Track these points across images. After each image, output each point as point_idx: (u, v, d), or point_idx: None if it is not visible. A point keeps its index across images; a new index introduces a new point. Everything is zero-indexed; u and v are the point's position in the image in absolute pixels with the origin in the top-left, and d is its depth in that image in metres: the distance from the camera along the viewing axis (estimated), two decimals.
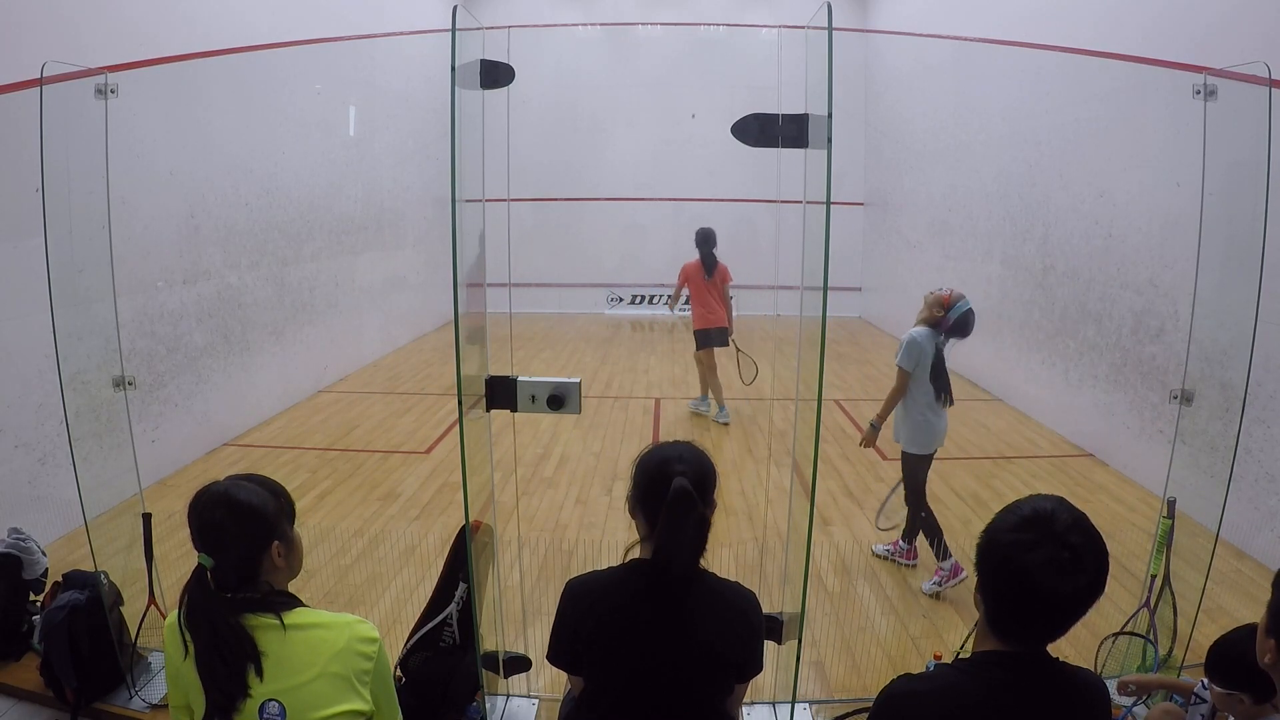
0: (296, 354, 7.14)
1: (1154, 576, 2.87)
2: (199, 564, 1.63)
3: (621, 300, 12.84)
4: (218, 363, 5.86)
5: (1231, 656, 1.91)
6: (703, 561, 1.85)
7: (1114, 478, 5.42)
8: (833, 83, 2.08)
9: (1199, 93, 2.71)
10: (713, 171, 11.80)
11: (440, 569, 2.85)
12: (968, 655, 1.53)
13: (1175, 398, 2.88)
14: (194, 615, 1.60)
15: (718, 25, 12.58)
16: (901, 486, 3.99)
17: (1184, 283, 4.45)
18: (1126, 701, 2.64)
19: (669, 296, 7.26)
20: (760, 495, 4.99)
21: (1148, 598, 2.89)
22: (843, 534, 4.43)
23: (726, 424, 6.71)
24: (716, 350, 6.86)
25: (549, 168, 11.81)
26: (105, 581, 2.82)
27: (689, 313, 7.07)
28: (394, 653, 2.79)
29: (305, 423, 6.62)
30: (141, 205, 4.91)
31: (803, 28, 2.22)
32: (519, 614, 3.47)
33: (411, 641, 2.79)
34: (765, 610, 2.03)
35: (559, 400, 2.40)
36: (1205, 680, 2.08)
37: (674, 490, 1.76)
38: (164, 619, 2.65)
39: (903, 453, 3.96)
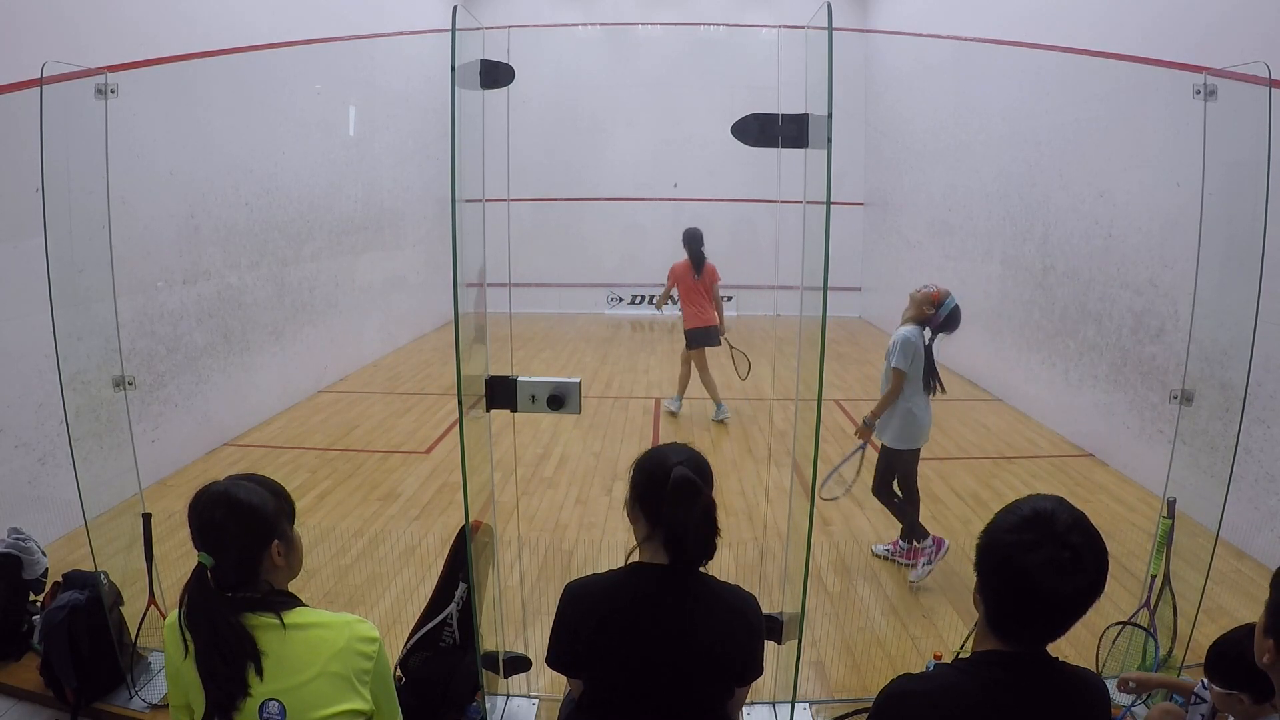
0: (296, 354, 7.14)
1: (1154, 576, 2.87)
2: (199, 563, 1.63)
3: (621, 300, 12.84)
4: (218, 363, 5.86)
5: (1231, 656, 1.91)
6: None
7: (1114, 478, 5.42)
8: (833, 83, 2.08)
9: (1199, 93, 2.71)
10: (713, 171, 11.80)
11: (440, 569, 2.85)
12: (968, 655, 1.53)
13: (1175, 398, 2.88)
14: (194, 614, 1.60)
15: (718, 25, 12.58)
16: (857, 457, 4.05)
17: (1184, 283, 4.45)
18: (1126, 700, 2.64)
19: (646, 298, 7.26)
20: (760, 495, 5.00)
21: (1148, 598, 2.89)
22: (843, 534, 4.43)
23: (725, 420, 6.72)
24: (710, 349, 6.87)
25: (549, 168, 11.81)
26: (105, 581, 2.82)
27: (679, 313, 7.08)
28: (394, 653, 2.79)
29: (305, 423, 6.62)
30: (141, 205, 4.91)
31: (803, 28, 2.22)
32: (519, 614, 3.47)
33: (411, 641, 2.79)
34: (765, 610, 2.03)
35: (559, 400, 2.40)
36: (1205, 680, 2.08)
37: (675, 478, 1.76)
38: (164, 619, 2.65)
39: (886, 449, 4.00)
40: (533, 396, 2.41)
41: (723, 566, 3.89)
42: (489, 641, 2.77)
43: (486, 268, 2.54)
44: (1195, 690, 2.17)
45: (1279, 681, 1.54)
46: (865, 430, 4.03)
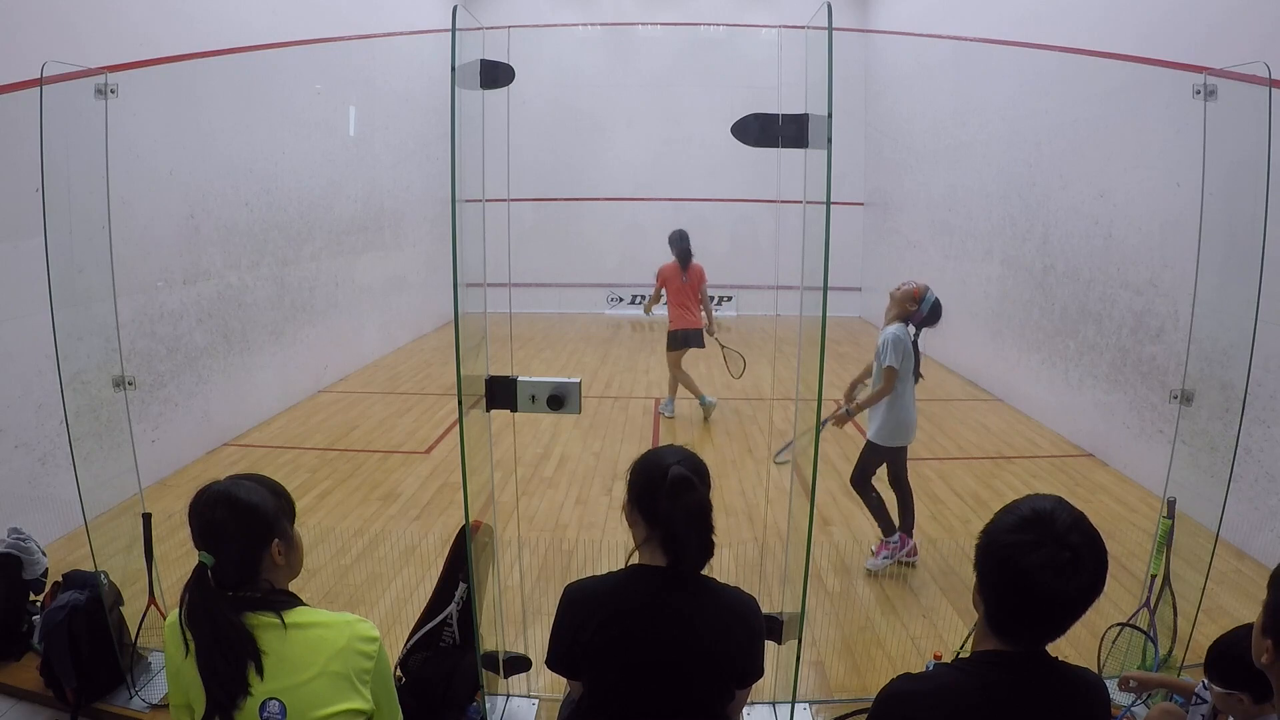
0: (296, 354, 7.14)
1: (1154, 576, 2.87)
2: (200, 562, 1.63)
3: (621, 300, 12.84)
4: (218, 363, 5.86)
5: (1231, 656, 1.91)
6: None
7: (1114, 478, 5.42)
8: (833, 83, 2.08)
9: (1199, 93, 2.71)
10: (713, 171, 11.80)
11: (440, 569, 2.85)
12: (968, 655, 1.53)
13: (1175, 398, 2.88)
14: (195, 613, 1.60)
15: (718, 25, 12.57)
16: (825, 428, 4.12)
17: (1184, 283, 4.45)
18: (1126, 700, 2.64)
19: (646, 298, 7.27)
20: (760, 495, 4.99)
21: (1148, 598, 2.89)
22: (843, 534, 4.43)
23: (714, 405, 6.76)
24: (697, 350, 6.90)
25: (549, 168, 11.81)
26: (105, 581, 2.82)
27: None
28: (394, 653, 2.79)
29: (305, 423, 6.62)
30: (141, 205, 4.91)
31: (803, 28, 2.22)
32: (519, 614, 3.47)
33: (411, 641, 2.79)
34: (765, 610, 2.03)
35: (559, 400, 2.40)
36: (1205, 681, 2.08)
37: (672, 477, 1.76)
38: (164, 619, 2.65)
39: (872, 445, 4.02)
40: (533, 396, 2.41)
41: (723, 566, 3.89)
42: (489, 641, 2.77)
43: (486, 268, 2.54)
44: (1196, 690, 2.16)
45: (1277, 682, 1.54)
46: (844, 419, 4.09)
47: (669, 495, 1.75)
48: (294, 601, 1.68)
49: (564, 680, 2.11)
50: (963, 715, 1.40)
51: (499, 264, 3.01)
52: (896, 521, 4.11)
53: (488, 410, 2.47)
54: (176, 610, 1.64)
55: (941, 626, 3.50)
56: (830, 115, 2.12)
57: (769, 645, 2.27)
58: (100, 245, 2.80)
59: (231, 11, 5.88)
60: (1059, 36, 6.27)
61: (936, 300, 3.99)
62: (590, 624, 1.80)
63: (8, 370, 3.97)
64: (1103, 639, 2.89)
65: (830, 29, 2.04)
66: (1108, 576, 1.40)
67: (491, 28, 2.38)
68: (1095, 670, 2.09)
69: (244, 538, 1.65)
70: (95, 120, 2.74)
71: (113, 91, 2.73)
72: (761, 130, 2.41)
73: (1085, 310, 6.07)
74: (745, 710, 2.81)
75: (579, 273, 12.59)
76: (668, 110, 12.10)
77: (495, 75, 2.33)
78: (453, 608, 2.74)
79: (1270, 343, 3.46)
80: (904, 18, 10.67)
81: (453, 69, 2.08)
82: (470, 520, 2.44)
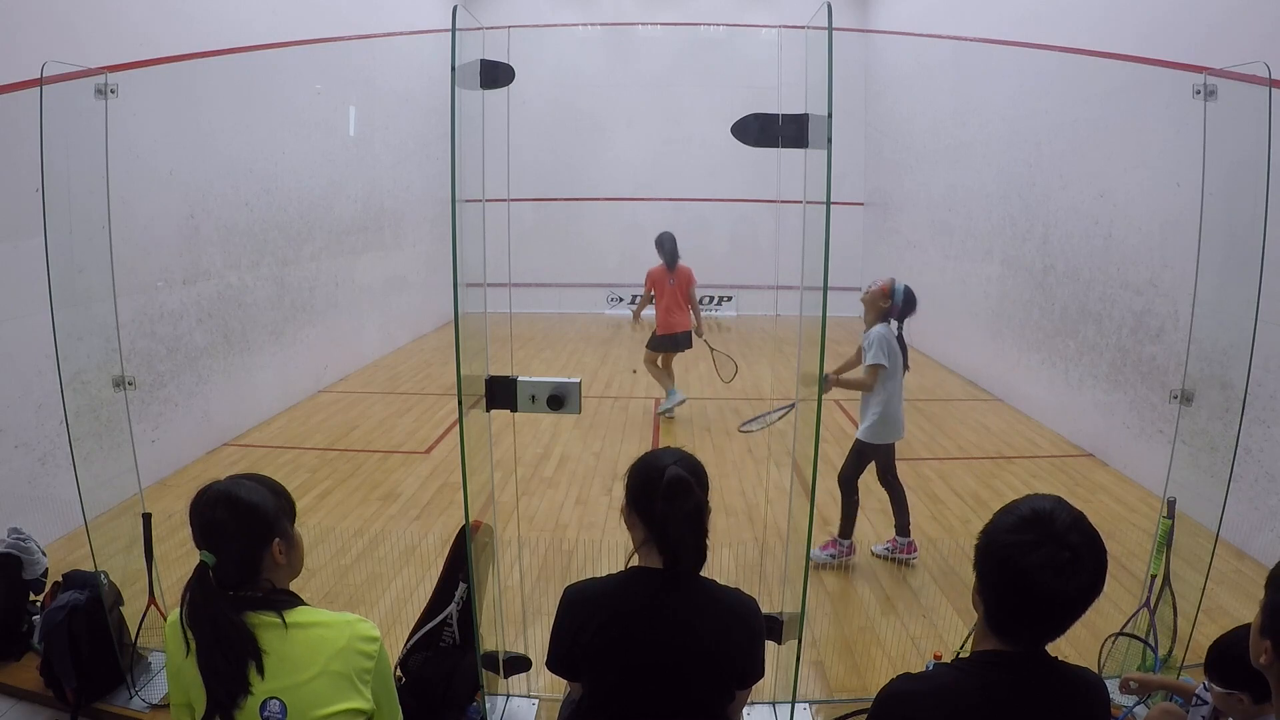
0: (296, 354, 7.14)
1: (1154, 576, 2.87)
2: (201, 561, 1.63)
3: (621, 300, 12.83)
4: (218, 363, 5.86)
5: (1231, 656, 1.91)
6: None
7: (1114, 478, 5.42)
8: (833, 83, 2.08)
9: (1199, 93, 2.71)
10: (713, 171, 11.80)
11: (440, 569, 2.85)
12: (967, 655, 1.53)
13: (1175, 398, 2.88)
14: (196, 612, 1.60)
15: (718, 25, 12.57)
16: (792, 412, 4.12)
17: (1184, 283, 4.44)
18: (1128, 701, 2.64)
19: (635, 299, 7.27)
20: (760, 495, 4.99)
21: (1148, 598, 2.89)
22: None
23: (670, 411, 6.78)
24: (687, 352, 6.92)
25: (549, 168, 11.80)
26: (105, 581, 2.82)
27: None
28: (394, 653, 2.79)
29: (305, 423, 6.62)
30: (141, 205, 4.91)
31: (803, 28, 2.22)
32: (519, 614, 3.47)
33: (411, 641, 2.79)
34: (765, 610, 2.03)
35: (559, 400, 2.40)
36: (1206, 683, 2.08)
37: (668, 478, 1.76)
38: (164, 619, 2.65)
39: (861, 443, 4.05)
40: (533, 396, 2.41)
41: (723, 566, 3.91)
42: (489, 641, 2.77)
43: (486, 268, 2.54)
44: (1197, 692, 2.16)
45: (1276, 682, 1.54)
46: (831, 383, 4.04)
47: (665, 496, 1.75)
48: (295, 601, 1.69)
49: (564, 680, 2.11)
50: (963, 715, 1.40)
51: (499, 264, 3.02)
52: (894, 523, 4.12)
53: (488, 410, 2.47)
54: (178, 609, 1.65)
55: (941, 626, 3.50)
56: (830, 115, 2.12)
57: (769, 645, 2.27)
58: (100, 245, 2.80)
59: (231, 11, 5.88)
60: (1059, 36, 6.27)
61: (906, 288, 3.99)
62: (590, 626, 1.80)
63: (8, 370, 3.98)
64: (1102, 648, 2.89)
65: (830, 29, 2.04)
66: (1108, 576, 1.40)
67: (491, 28, 2.38)
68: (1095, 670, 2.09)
69: (245, 537, 1.66)
70: (95, 120, 2.74)
71: (113, 91, 2.73)
72: (761, 130, 2.41)
73: (1085, 310, 6.07)
74: (745, 710, 2.81)
75: (579, 273, 12.58)
76: (668, 110, 12.10)
77: (495, 75, 2.33)
78: (453, 608, 2.75)
79: (1270, 343, 3.46)
80: (904, 18, 10.67)
81: (453, 69, 2.08)
82: (470, 520, 2.44)
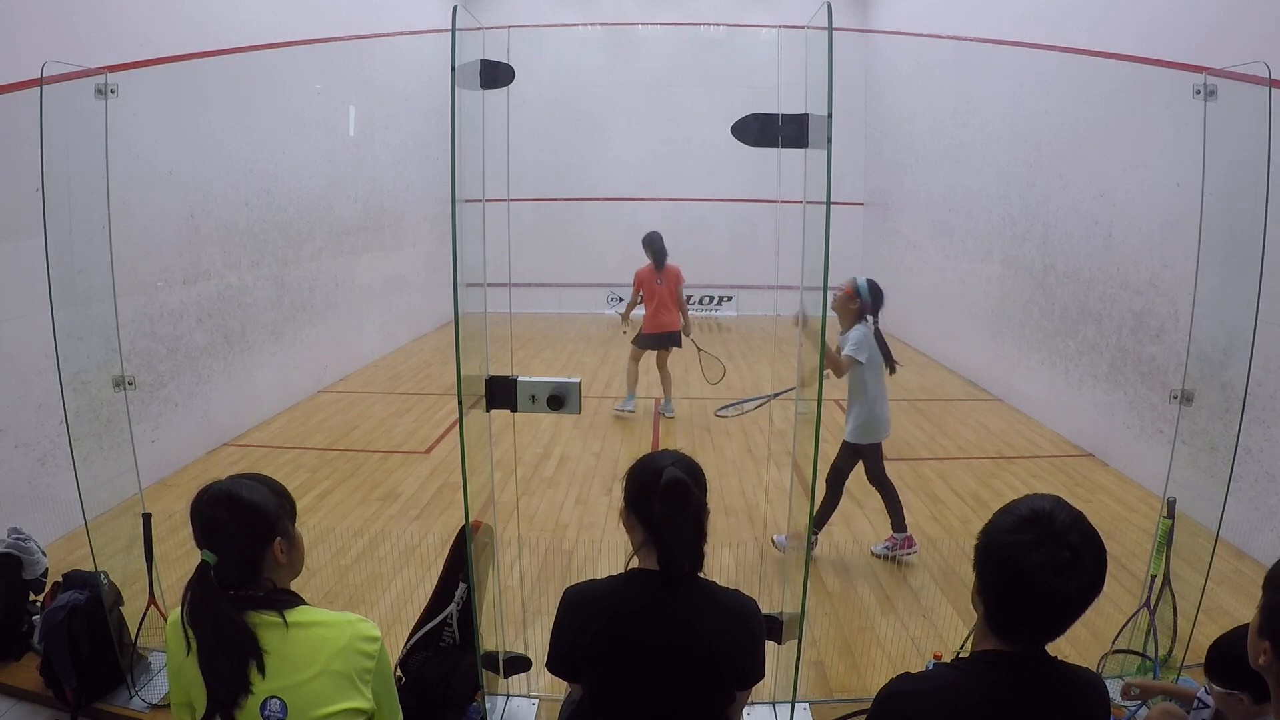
0: (296, 354, 7.14)
1: (1154, 576, 2.87)
2: (202, 561, 1.63)
3: (621, 300, 12.80)
4: (218, 363, 5.86)
5: (1231, 655, 1.91)
6: (703, 563, 1.85)
7: (1114, 478, 5.42)
8: (833, 83, 2.08)
9: (1199, 93, 2.71)
10: (713, 171, 11.80)
11: (440, 569, 2.85)
12: (967, 655, 1.53)
13: (1175, 398, 2.88)
14: (197, 612, 1.61)
15: (718, 25, 12.57)
16: (768, 403, 4.14)
17: (1184, 283, 4.45)
18: (1131, 705, 2.63)
19: (612, 298, 7.27)
20: (760, 495, 4.99)
21: (1148, 598, 2.89)
22: (843, 534, 4.43)
23: (630, 413, 6.80)
24: (675, 352, 6.92)
25: (549, 168, 11.81)
26: (105, 581, 2.81)
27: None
28: (394, 653, 2.79)
29: (305, 423, 6.62)
30: (141, 205, 4.91)
31: (803, 28, 2.22)
32: (519, 614, 3.47)
33: (411, 641, 2.79)
34: (765, 610, 2.03)
35: (559, 400, 2.40)
36: (1207, 687, 2.08)
37: (666, 480, 1.76)
38: (164, 619, 2.65)
39: (848, 444, 4.07)
40: (533, 396, 2.41)
41: (722, 566, 3.91)
42: (489, 641, 2.77)
43: (486, 268, 2.54)
44: (1198, 695, 2.16)
45: (1275, 683, 1.54)
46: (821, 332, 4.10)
47: (663, 499, 1.75)
48: (296, 600, 1.69)
49: (564, 681, 2.11)
50: (963, 715, 1.40)
51: (499, 264, 3.02)
52: (890, 523, 4.13)
53: (488, 410, 2.47)
54: (178, 609, 1.65)
55: (941, 626, 3.50)
56: (830, 115, 2.12)
57: (769, 645, 2.28)
58: (100, 245, 2.80)
59: (232, 11, 5.88)
60: (1059, 36, 6.27)
61: (869, 281, 4.02)
62: (590, 627, 1.80)
63: (8, 370, 3.97)
64: (1100, 663, 2.89)
65: (830, 29, 2.04)
66: (1108, 576, 1.40)
67: (491, 28, 2.38)
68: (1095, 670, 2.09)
69: (246, 537, 1.66)
70: (95, 120, 2.74)
71: (113, 91, 2.73)
72: (761, 130, 2.41)
73: (1085, 310, 6.07)
74: (745, 710, 2.81)
75: (579, 273, 12.58)
76: (668, 110, 12.10)
77: (495, 75, 2.33)
78: (453, 608, 2.75)
79: (1270, 343, 3.46)
80: (904, 18, 10.67)
81: (453, 69, 2.08)
82: (470, 520, 2.44)
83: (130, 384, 2.87)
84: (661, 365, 7.00)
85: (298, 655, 1.60)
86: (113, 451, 2.96)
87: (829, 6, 2.03)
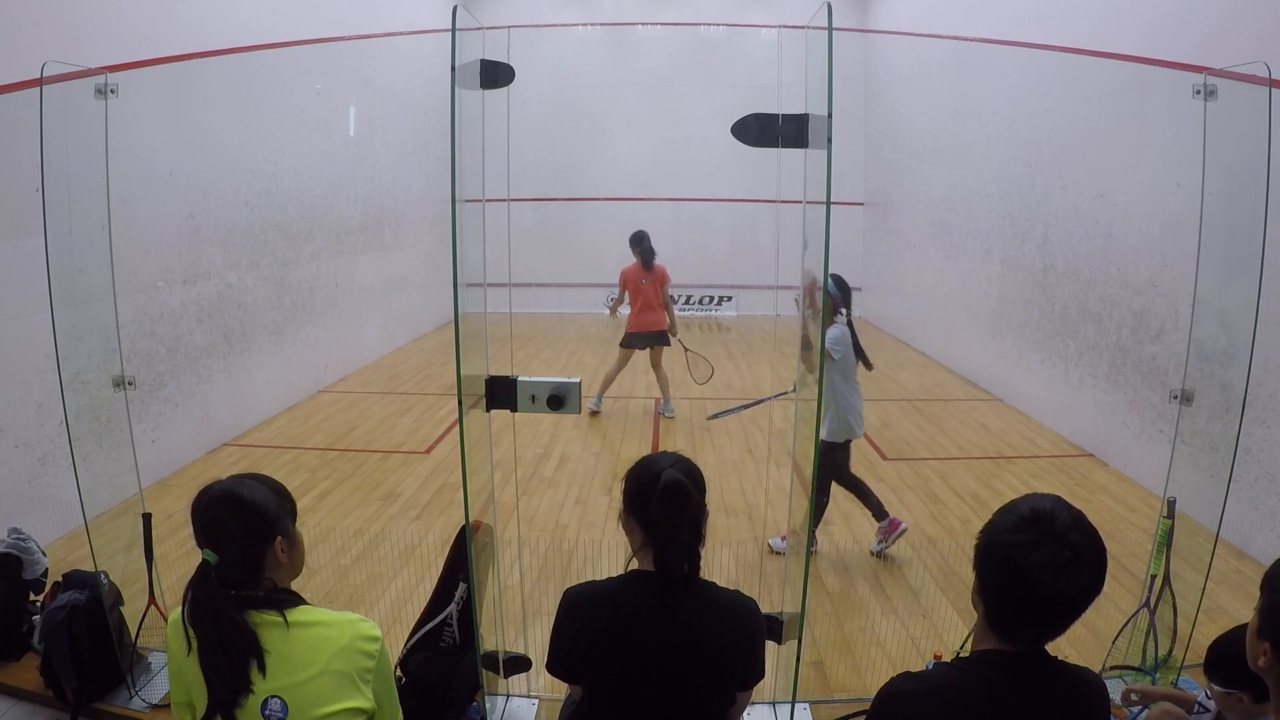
0: (296, 354, 7.14)
1: (1154, 576, 2.87)
2: (203, 560, 1.63)
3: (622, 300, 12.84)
4: (218, 363, 5.86)
5: (1230, 655, 1.90)
6: (703, 563, 1.84)
7: (1114, 478, 5.42)
8: (833, 83, 2.08)
9: (1199, 93, 2.71)
10: (713, 171, 11.81)
11: (440, 569, 2.85)
12: (968, 655, 1.53)
13: (1175, 398, 2.88)
14: (198, 610, 1.61)
15: (718, 25, 12.57)
16: (760, 407, 4.13)
17: (1184, 283, 4.45)
18: (1133, 709, 2.63)
19: (611, 299, 7.29)
20: (760, 495, 4.99)
21: (1148, 598, 2.89)
22: (843, 534, 4.43)
23: (596, 412, 6.82)
24: (666, 351, 6.95)
25: (549, 168, 11.80)
26: (105, 581, 2.81)
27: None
28: (394, 653, 2.79)
29: (305, 423, 6.62)
30: (141, 205, 4.91)
31: (803, 28, 2.22)
32: (519, 614, 3.47)
33: (411, 641, 2.79)
34: (765, 610, 2.03)
35: (559, 400, 2.41)
36: (1208, 690, 2.08)
37: (664, 482, 1.76)
38: (164, 619, 2.65)
39: (824, 444, 4.04)
40: (533, 396, 2.41)
41: (722, 566, 3.91)
42: (489, 641, 2.77)
43: (486, 268, 2.54)
44: (1199, 699, 2.16)
45: (1274, 684, 1.54)
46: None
47: (660, 500, 1.75)
48: (296, 600, 1.69)
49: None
50: (963, 715, 1.40)
51: (499, 264, 3.02)
52: (872, 515, 4.13)
53: (488, 410, 2.47)
54: (179, 608, 1.65)
55: (941, 626, 3.50)
56: (830, 115, 2.12)
57: (769, 645, 2.28)
58: (100, 245, 2.80)
59: (232, 11, 5.88)
60: (1059, 36, 6.27)
61: (829, 279, 4.03)
62: (590, 629, 1.80)
63: (8, 370, 3.97)
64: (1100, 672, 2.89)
65: (830, 29, 2.04)
66: (1108, 576, 1.40)
67: (491, 28, 2.38)
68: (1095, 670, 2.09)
69: (247, 536, 1.66)
70: (95, 120, 2.74)
71: (113, 91, 2.73)
72: (761, 130, 2.42)
73: (1085, 310, 6.07)
74: (745, 710, 2.81)
75: (579, 273, 12.58)
76: (668, 110, 12.10)
77: (495, 75, 2.33)
78: (453, 608, 2.75)
79: (1270, 343, 3.46)
80: (904, 18, 10.68)
81: (453, 69, 2.08)
82: (470, 520, 2.44)
83: (130, 384, 2.87)
84: (656, 365, 7.00)
85: (298, 655, 1.60)
86: (113, 451, 2.97)
87: (829, 6, 2.03)
